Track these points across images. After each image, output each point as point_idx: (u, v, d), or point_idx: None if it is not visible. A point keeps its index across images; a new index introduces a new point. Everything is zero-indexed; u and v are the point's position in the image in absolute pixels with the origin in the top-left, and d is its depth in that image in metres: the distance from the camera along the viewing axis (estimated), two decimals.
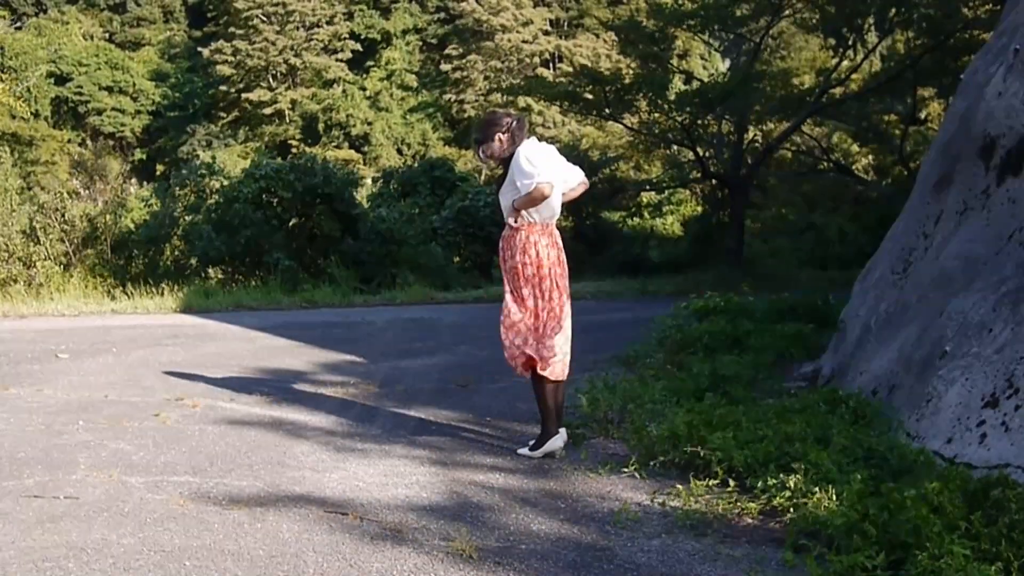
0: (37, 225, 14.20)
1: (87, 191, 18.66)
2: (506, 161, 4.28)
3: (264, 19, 43.33)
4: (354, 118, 41.66)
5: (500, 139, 4.27)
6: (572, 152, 20.65)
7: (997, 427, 3.64)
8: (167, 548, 3.08)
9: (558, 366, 4.23)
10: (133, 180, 33.42)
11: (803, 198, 22.23)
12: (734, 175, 17.43)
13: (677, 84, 21.07)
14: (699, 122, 17.09)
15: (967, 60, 11.67)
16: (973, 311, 4.17)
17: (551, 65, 41.94)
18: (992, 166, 4.64)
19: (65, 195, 15.34)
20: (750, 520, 3.38)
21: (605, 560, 3.03)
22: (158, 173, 38.96)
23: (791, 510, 3.27)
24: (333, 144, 40.97)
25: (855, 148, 22.49)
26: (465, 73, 42.56)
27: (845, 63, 17.63)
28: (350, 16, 45.81)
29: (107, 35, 47.60)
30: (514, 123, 4.27)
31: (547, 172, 4.10)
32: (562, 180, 4.30)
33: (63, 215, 14.54)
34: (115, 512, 3.44)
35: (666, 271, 17.17)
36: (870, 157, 22.66)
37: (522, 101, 30.62)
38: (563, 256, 4.33)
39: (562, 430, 4.36)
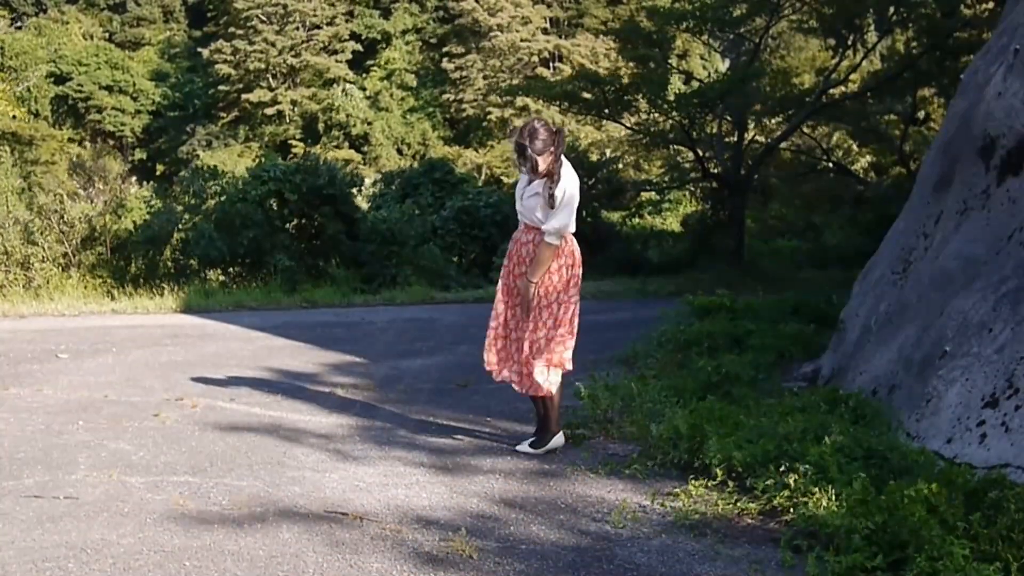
0: (35, 228, 14.15)
1: (86, 191, 18.58)
2: (551, 175, 4.19)
3: (264, 19, 43.29)
4: (354, 118, 41.63)
5: (551, 153, 4.18)
6: (571, 152, 20.66)
7: (997, 427, 3.64)
8: (167, 548, 3.08)
9: None
10: (133, 180, 33.39)
11: (803, 198, 22.20)
12: (734, 175, 17.40)
13: (677, 84, 21.05)
14: (698, 122, 17.07)
15: (967, 60, 11.66)
16: (973, 311, 4.17)
17: (550, 64, 41.93)
18: (992, 166, 4.64)
19: (64, 196, 15.28)
20: (750, 520, 3.38)
21: (605, 560, 3.03)
22: (158, 173, 38.96)
23: (791, 510, 3.27)
24: (333, 144, 40.92)
25: (855, 148, 22.48)
26: (464, 73, 42.51)
27: (845, 63, 17.62)
28: (350, 16, 45.79)
29: (107, 35, 47.55)
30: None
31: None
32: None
33: (61, 216, 14.50)
34: (115, 512, 3.44)
35: (666, 271, 17.11)
36: (870, 157, 22.65)
37: (520, 101, 30.62)
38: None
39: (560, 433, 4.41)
